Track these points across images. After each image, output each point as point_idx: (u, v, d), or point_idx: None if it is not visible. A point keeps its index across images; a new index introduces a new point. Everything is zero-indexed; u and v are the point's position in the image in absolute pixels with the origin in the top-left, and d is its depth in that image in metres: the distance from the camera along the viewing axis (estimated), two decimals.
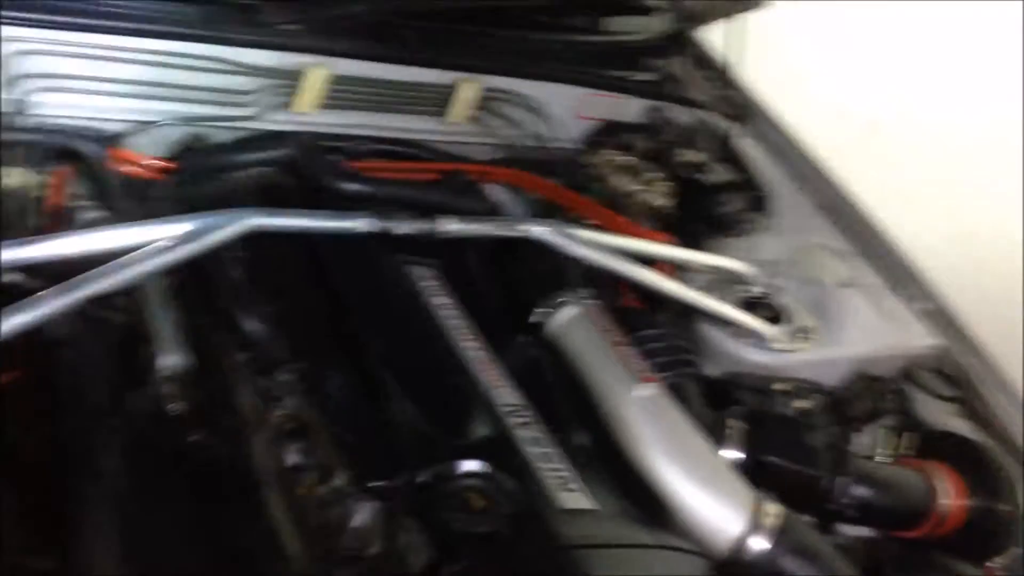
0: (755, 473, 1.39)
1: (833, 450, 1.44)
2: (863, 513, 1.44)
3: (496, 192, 1.94)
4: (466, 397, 1.29)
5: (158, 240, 1.18)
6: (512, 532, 1.09)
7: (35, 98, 1.47)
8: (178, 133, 1.58)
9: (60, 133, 1.42)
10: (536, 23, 1.97)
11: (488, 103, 1.87)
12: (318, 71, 1.66)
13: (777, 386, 1.58)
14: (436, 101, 1.82)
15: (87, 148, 1.41)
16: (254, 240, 1.40)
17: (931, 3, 2.99)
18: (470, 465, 1.15)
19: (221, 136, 1.61)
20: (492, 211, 1.75)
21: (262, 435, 1.20)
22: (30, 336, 1.10)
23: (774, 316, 1.68)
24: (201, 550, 1.07)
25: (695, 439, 1.34)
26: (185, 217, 1.20)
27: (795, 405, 1.54)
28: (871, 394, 1.69)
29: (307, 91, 1.66)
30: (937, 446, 1.57)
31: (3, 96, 1.42)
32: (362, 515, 1.11)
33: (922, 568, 1.46)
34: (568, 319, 1.46)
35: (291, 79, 1.66)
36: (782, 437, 1.42)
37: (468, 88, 1.81)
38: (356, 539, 1.10)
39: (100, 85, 1.52)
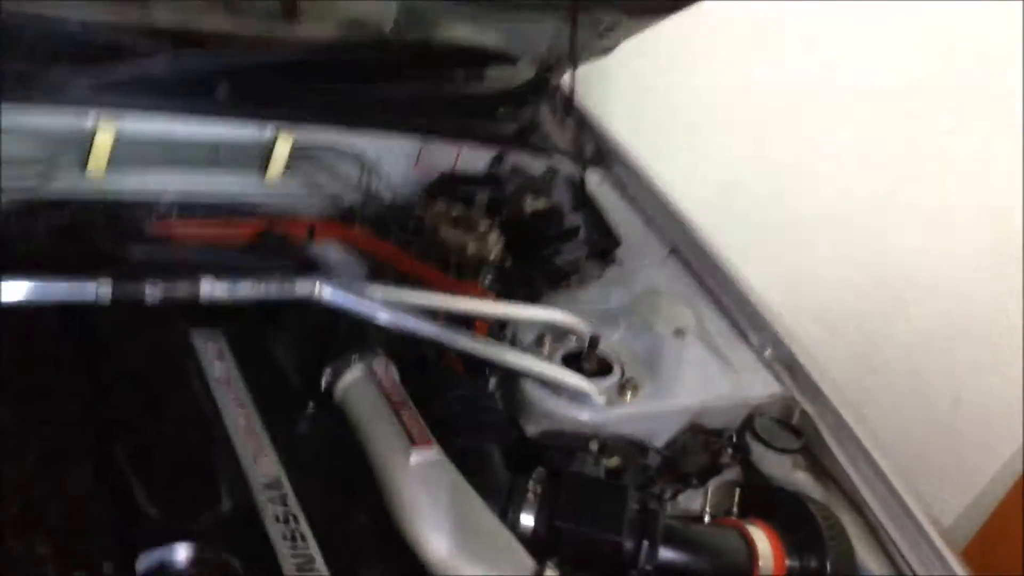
0: (551, 540, 1.30)
1: (639, 512, 1.33)
2: None
3: (330, 252, 1.87)
4: (213, 472, 1.19)
5: None
6: None
7: None
8: None
9: None
10: (367, 74, 1.90)
11: (307, 155, 1.80)
12: (107, 130, 1.57)
13: (591, 444, 1.48)
14: (250, 158, 1.74)
15: None
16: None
17: None
18: (186, 550, 1.05)
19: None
20: (309, 270, 1.67)
21: None
22: None
23: (600, 369, 1.59)
24: None
25: (471, 507, 1.24)
26: None
27: (605, 464, 1.44)
28: (706, 448, 1.61)
29: (98, 152, 1.58)
30: (761, 503, 1.48)
31: None
32: None
33: None
34: (351, 381, 1.37)
35: (80, 140, 1.58)
36: (578, 500, 1.31)
37: (283, 143, 1.74)
38: None
39: None
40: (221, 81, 1.69)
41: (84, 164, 1.59)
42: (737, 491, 1.54)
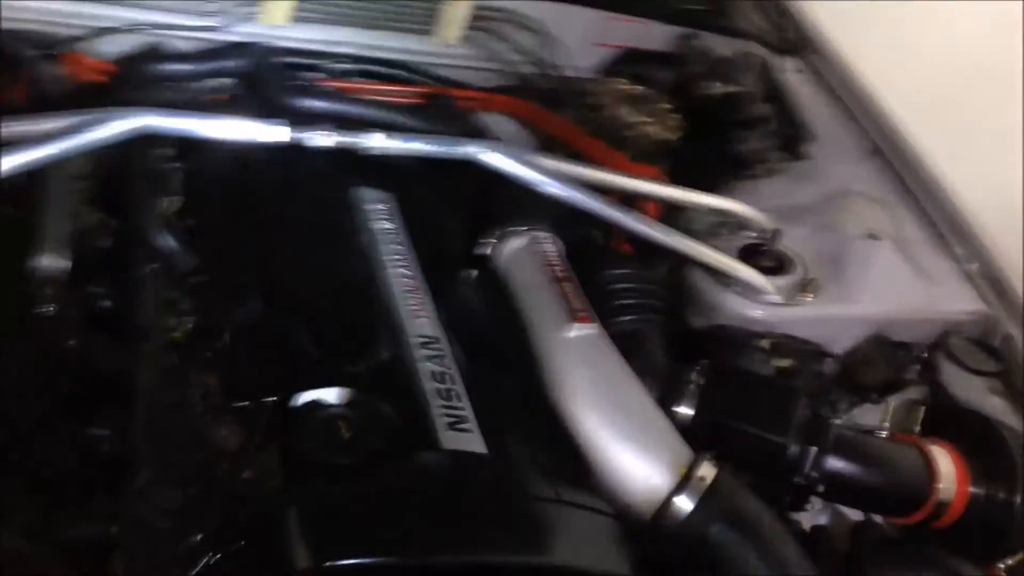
0: (709, 435, 1.23)
1: (808, 416, 1.24)
2: (840, 490, 1.24)
3: (501, 122, 1.81)
4: (373, 323, 1.17)
5: (43, 130, 1.11)
6: (371, 467, 0.98)
7: None
8: (139, 40, 1.51)
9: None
10: None
11: (485, 24, 1.73)
12: None
13: (762, 343, 1.39)
14: (428, 19, 1.69)
15: (28, 52, 1.36)
16: (193, 151, 1.35)
17: None
18: (342, 393, 1.04)
19: (184, 46, 1.54)
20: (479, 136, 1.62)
21: (152, 345, 1.14)
22: None
23: (778, 266, 1.48)
24: (58, 454, 1.01)
25: (628, 388, 1.17)
26: (75, 112, 1.13)
27: (776, 364, 1.34)
28: (890, 362, 1.48)
29: (278, 1, 1.57)
30: (947, 423, 1.34)
31: None
32: (222, 435, 1.02)
33: (910, 561, 1.25)
34: (512, 251, 1.32)
35: None
36: (743, 396, 1.23)
37: (461, 6, 1.68)
38: (212, 458, 1.01)
39: None
40: None
41: (265, 12, 1.58)
42: (921, 409, 1.41)
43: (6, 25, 1.43)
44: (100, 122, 1.12)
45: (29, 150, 1.09)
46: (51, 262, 1.10)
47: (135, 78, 1.40)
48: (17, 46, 1.37)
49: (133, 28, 1.51)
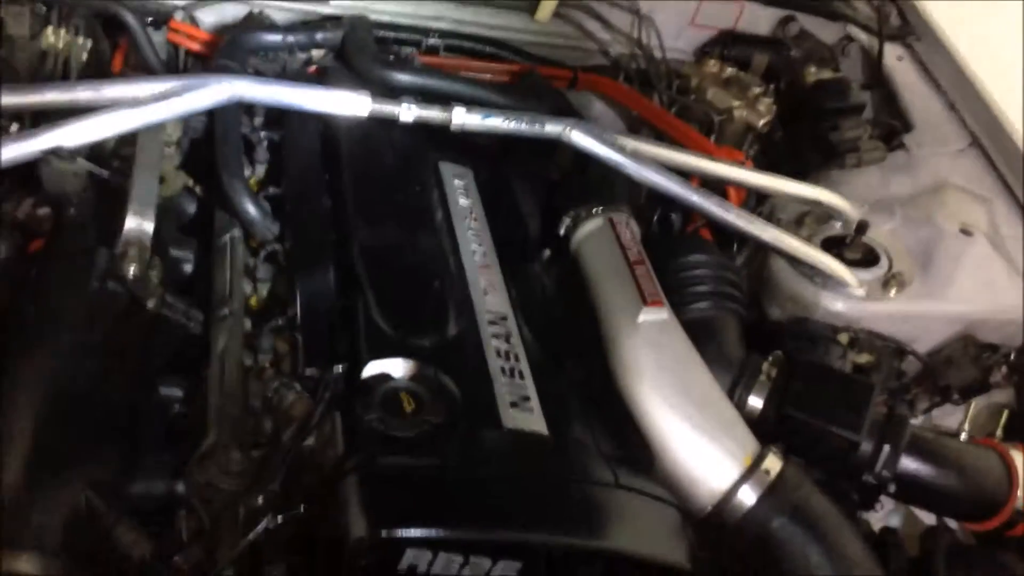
0: (780, 427, 1.21)
1: (884, 413, 1.21)
2: (912, 492, 1.22)
3: (590, 101, 1.81)
4: (443, 298, 1.19)
5: (138, 95, 1.15)
6: (432, 441, 0.99)
7: None
8: (239, 11, 1.56)
9: (105, 1, 1.42)
10: None
11: (583, 2, 1.71)
12: None
13: (841, 336, 1.35)
14: None
15: (130, 18, 1.42)
16: (281, 120, 1.38)
17: None
18: (408, 366, 1.06)
19: (283, 18, 1.58)
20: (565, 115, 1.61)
21: (227, 310, 1.18)
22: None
23: (864, 259, 1.44)
24: (128, 409, 1.05)
25: (696, 375, 1.17)
26: (168, 77, 1.17)
27: (854, 359, 1.31)
28: (976, 362, 1.43)
29: None
30: None
31: None
32: (289, 401, 1.05)
33: (983, 569, 1.21)
34: (589, 231, 1.31)
35: None
36: (816, 389, 1.20)
37: None
38: (278, 424, 1.05)
39: None
40: None
41: None
42: (1005, 413, 1.35)
43: None
44: (190, 89, 1.16)
45: (124, 114, 1.13)
46: (135, 224, 1.13)
47: (231, 48, 1.44)
48: (121, 13, 1.42)
49: None
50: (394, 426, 1.00)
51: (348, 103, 1.26)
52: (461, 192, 1.38)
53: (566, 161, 1.48)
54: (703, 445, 1.11)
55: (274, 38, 1.49)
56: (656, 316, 1.19)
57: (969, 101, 1.76)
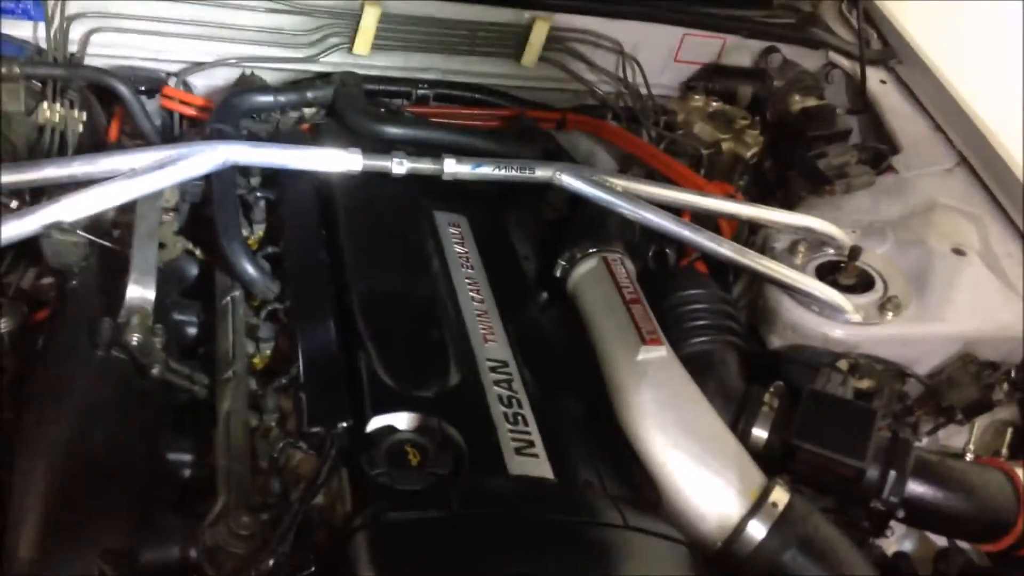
0: (785, 457, 1.22)
1: (888, 439, 1.21)
2: (921, 515, 1.21)
3: (580, 142, 1.83)
4: (444, 348, 1.20)
5: (134, 165, 1.18)
6: (439, 492, 1.00)
7: (94, 38, 1.53)
8: (231, 74, 1.59)
9: (98, 72, 1.46)
10: None
11: (564, 44, 1.74)
12: (373, 9, 1.60)
13: (841, 363, 1.36)
14: (506, 43, 1.72)
15: (123, 88, 1.44)
16: (277, 179, 1.40)
17: None
18: (412, 419, 1.07)
19: (275, 79, 1.61)
20: (558, 159, 1.63)
21: (231, 372, 1.19)
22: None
23: (859, 284, 1.45)
24: (137, 475, 1.06)
25: (698, 410, 1.17)
26: (163, 146, 1.20)
27: (855, 385, 1.31)
28: (977, 381, 1.43)
29: (364, 31, 1.62)
30: None
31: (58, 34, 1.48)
32: (295, 461, 1.06)
33: None
34: (585, 272, 1.33)
35: (348, 19, 1.62)
36: (819, 418, 1.21)
37: (540, 28, 1.70)
38: (286, 483, 1.06)
39: (156, 25, 1.55)
40: None
41: (351, 43, 1.64)
42: (1009, 431, 1.36)
43: (103, 62, 1.52)
44: (184, 156, 1.18)
45: (120, 185, 1.16)
46: (136, 293, 1.15)
47: (223, 112, 1.46)
48: (113, 84, 1.45)
49: (224, 63, 1.59)
50: (401, 480, 1.01)
51: (340, 160, 1.28)
52: (456, 240, 1.40)
53: (561, 202, 1.50)
54: (709, 481, 1.12)
55: (266, 99, 1.52)
56: (655, 354, 1.21)
57: (954, 120, 1.78)
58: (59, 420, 1.08)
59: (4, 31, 1.46)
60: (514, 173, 1.35)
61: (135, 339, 1.12)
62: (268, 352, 1.25)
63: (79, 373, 1.13)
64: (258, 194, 1.39)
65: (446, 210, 1.45)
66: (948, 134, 1.77)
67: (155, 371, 1.13)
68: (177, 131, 1.56)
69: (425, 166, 1.32)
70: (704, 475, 1.12)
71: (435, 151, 1.39)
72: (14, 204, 1.21)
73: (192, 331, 1.28)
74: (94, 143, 1.43)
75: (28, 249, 1.21)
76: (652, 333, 1.22)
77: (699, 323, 1.34)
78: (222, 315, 1.26)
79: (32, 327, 1.24)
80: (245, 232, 1.32)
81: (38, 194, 1.24)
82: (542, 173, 1.35)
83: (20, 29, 1.49)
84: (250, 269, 1.25)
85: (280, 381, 1.18)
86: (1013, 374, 1.45)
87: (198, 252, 1.32)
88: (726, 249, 1.38)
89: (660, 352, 1.21)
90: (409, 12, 1.65)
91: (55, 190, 1.17)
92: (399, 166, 1.30)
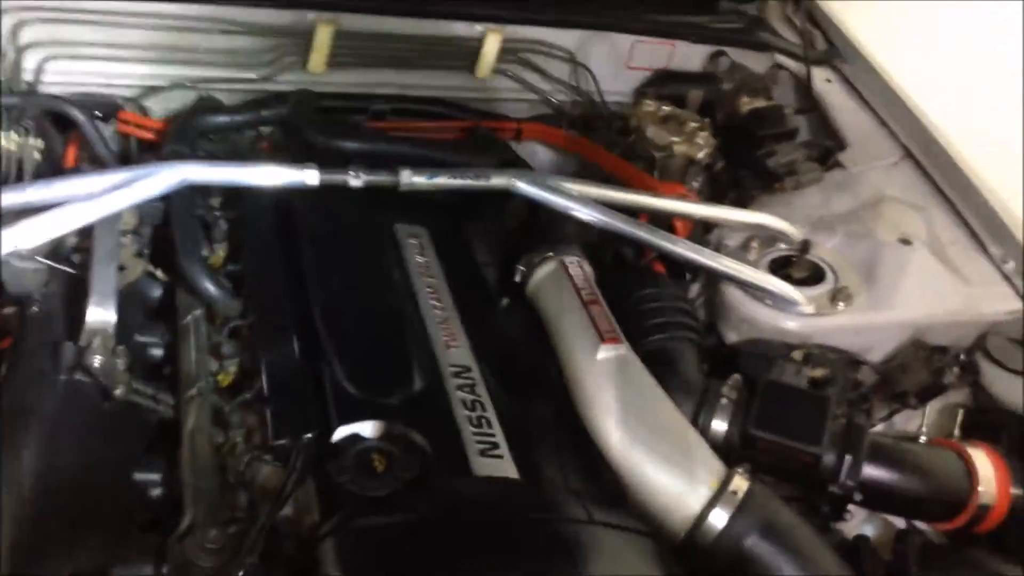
0: (744, 448, 1.25)
1: (843, 425, 1.25)
2: (878, 498, 1.25)
3: (536, 151, 1.86)
4: (407, 355, 1.22)
5: (91, 189, 1.19)
6: (406, 497, 1.02)
7: (48, 66, 1.54)
8: (188, 96, 1.60)
9: (53, 100, 1.46)
10: None
11: (517, 55, 1.78)
12: (326, 27, 1.62)
13: (795, 354, 1.40)
14: (460, 56, 1.75)
15: (78, 115, 1.45)
16: (238, 199, 1.41)
17: None
18: (377, 426, 1.09)
19: (231, 99, 1.62)
20: (511, 165, 1.66)
21: (196, 390, 1.20)
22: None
23: (810, 277, 1.49)
24: (106, 495, 1.07)
25: (658, 405, 1.21)
26: (117, 169, 1.21)
27: (809, 375, 1.35)
28: (928, 366, 1.47)
29: (318, 49, 1.64)
30: (987, 425, 1.34)
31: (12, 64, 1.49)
32: (262, 474, 1.08)
33: (953, 566, 1.25)
34: (544, 276, 1.36)
35: (301, 38, 1.64)
36: (776, 407, 1.24)
37: (493, 41, 1.73)
38: (253, 496, 1.07)
39: (110, 51, 1.56)
40: None
41: (305, 61, 1.65)
42: (960, 412, 1.40)
43: (58, 89, 1.53)
44: (139, 178, 1.20)
45: (76, 209, 1.17)
46: (97, 316, 1.16)
47: (179, 134, 1.48)
48: (68, 110, 1.46)
49: (180, 85, 1.60)
50: (368, 486, 1.03)
51: (296, 176, 1.30)
52: (416, 250, 1.42)
53: (520, 208, 1.52)
54: (670, 473, 1.15)
55: (221, 119, 1.53)
56: (614, 352, 1.24)
57: (898, 116, 1.83)
58: (27, 444, 1.08)
59: None
60: (470, 182, 1.38)
61: (97, 361, 1.13)
62: (233, 369, 1.26)
63: (44, 397, 1.14)
64: (216, 213, 1.41)
65: (406, 222, 1.47)
66: (892, 129, 1.82)
67: (119, 392, 1.14)
68: (134, 155, 1.57)
69: (382, 178, 1.34)
70: (665, 468, 1.15)
71: (393, 164, 1.41)
72: None
73: (157, 352, 1.28)
74: (52, 169, 1.43)
75: None
76: (610, 332, 1.25)
77: (657, 321, 1.38)
78: (184, 334, 1.28)
79: None
80: (206, 252, 1.33)
81: None
82: (498, 181, 1.38)
83: None
84: (210, 287, 1.26)
85: (244, 396, 1.19)
86: (962, 357, 1.49)
87: (159, 273, 1.33)
88: (682, 248, 1.41)
89: (619, 350, 1.24)
90: (362, 29, 1.67)
91: (11, 217, 1.17)
92: (355, 179, 1.32)
